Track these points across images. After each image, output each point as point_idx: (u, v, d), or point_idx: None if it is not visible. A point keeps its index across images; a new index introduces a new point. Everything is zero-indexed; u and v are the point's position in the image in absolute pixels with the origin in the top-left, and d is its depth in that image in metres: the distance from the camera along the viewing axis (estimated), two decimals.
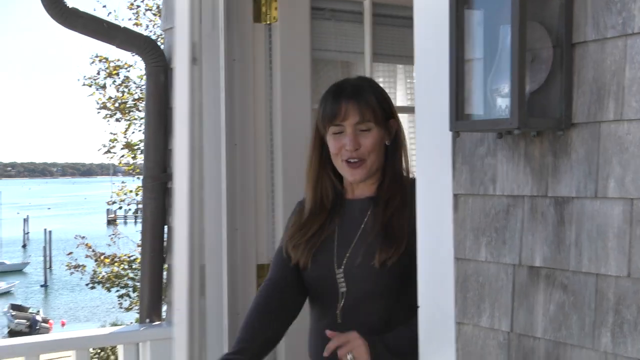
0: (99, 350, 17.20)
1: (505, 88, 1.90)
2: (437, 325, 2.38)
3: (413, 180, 2.69)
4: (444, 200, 2.32)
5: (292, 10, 3.55)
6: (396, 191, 2.89)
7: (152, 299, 4.32)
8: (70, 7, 3.93)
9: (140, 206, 17.60)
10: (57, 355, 4.15)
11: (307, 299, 3.06)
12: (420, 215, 2.44)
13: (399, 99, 4.02)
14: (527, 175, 2.05)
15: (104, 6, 15.56)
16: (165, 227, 4.28)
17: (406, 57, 3.89)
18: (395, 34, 3.85)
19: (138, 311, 14.92)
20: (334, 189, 2.99)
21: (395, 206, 2.86)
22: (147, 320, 4.30)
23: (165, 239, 4.30)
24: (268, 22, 3.67)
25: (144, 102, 15.31)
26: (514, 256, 2.11)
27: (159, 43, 4.69)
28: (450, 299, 2.30)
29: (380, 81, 3.94)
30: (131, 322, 16.45)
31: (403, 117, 3.94)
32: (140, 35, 4.43)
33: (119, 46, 4.40)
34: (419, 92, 2.48)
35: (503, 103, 1.93)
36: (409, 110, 3.98)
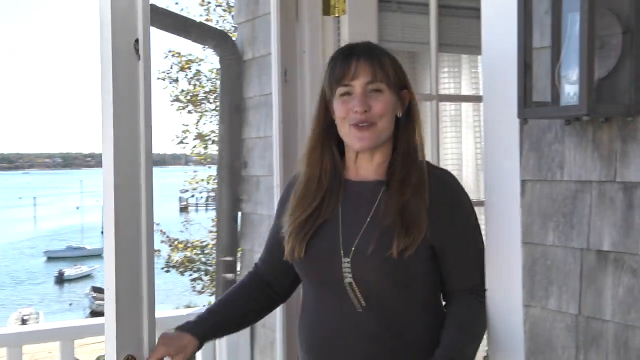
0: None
1: (574, 75, 1.86)
2: (505, 308, 2.35)
3: (430, 166, 2.54)
4: (512, 186, 2.28)
5: (360, 3, 3.52)
6: (412, 170, 2.46)
7: (227, 282, 4.34)
8: (155, 5, 3.95)
9: (211, 194, 17.76)
10: None
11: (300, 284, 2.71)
12: (487, 200, 2.42)
13: (464, 88, 3.96)
14: (595, 161, 2.00)
15: (177, 3, 15.63)
16: (239, 213, 4.28)
17: (470, 47, 3.85)
18: (459, 25, 3.80)
19: (210, 294, 15.14)
20: (334, 165, 2.53)
21: (413, 187, 2.43)
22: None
23: (238, 224, 4.31)
24: (337, 15, 3.65)
25: (214, 95, 15.49)
26: (581, 240, 2.06)
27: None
28: (518, 283, 2.27)
29: (445, 71, 3.90)
30: (204, 305, 16.51)
31: (467, 106, 3.91)
32: (214, 29, 4.46)
33: (194, 40, 4.43)
34: (487, 81, 2.44)
35: (571, 90, 1.89)
36: (473, 99, 3.93)
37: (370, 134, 2.41)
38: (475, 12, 3.67)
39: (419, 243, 2.36)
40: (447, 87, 3.86)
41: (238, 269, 4.40)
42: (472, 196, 3.84)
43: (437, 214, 2.42)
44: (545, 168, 2.17)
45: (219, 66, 14.19)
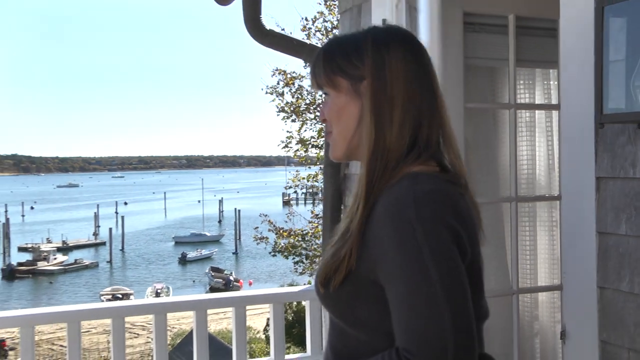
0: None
1: None
2: (581, 290, 2.30)
3: (407, 176, 1.56)
4: (587, 183, 2.23)
5: (448, 25, 3.47)
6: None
7: None
8: (268, 28, 3.98)
9: (310, 190, 17.94)
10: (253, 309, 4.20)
11: None
12: (564, 196, 2.37)
13: (537, 99, 3.87)
14: None
15: (282, 29, 15.76)
16: (342, 206, 4.30)
17: (544, 62, 3.77)
18: (535, 42, 3.71)
19: (309, 274, 15.30)
20: None
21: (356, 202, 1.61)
22: None
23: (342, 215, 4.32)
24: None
25: (314, 106, 15.63)
26: None
27: None
28: (593, 267, 2.23)
29: (521, 83, 3.82)
30: (304, 284, 16.78)
31: (540, 114, 3.82)
32: None
33: (304, 59, 4.43)
34: (565, 91, 2.40)
35: None
36: (546, 107, 3.85)
37: (330, 143, 1.78)
38: (547, 31, 3.62)
39: (340, 278, 1.57)
40: (522, 97, 3.77)
41: None
42: (544, 192, 3.78)
43: (374, 239, 1.53)
44: (619, 167, 2.13)
45: None
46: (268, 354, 4.17)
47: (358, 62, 1.65)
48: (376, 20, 3.72)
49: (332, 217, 4.30)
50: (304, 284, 17.57)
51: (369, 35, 1.68)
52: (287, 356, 4.12)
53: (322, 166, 15.93)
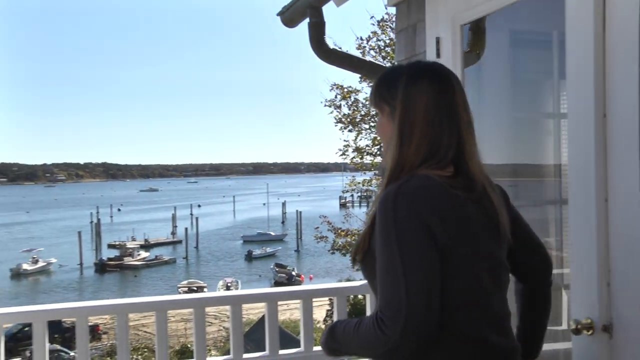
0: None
1: None
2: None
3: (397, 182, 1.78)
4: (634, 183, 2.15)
5: (494, 42, 3.41)
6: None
7: None
8: (331, 47, 3.96)
9: (364, 194, 17.89)
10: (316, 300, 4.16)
11: None
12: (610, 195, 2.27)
13: None
14: None
15: (340, 48, 15.76)
16: None
17: None
18: None
19: None
20: None
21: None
22: None
23: None
24: (477, 52, 3.54)
25: (369, 117, 15.59)
26: None
27: None
28: None
29: (563, 94, 3.73)
30: (360, 279, 16.66)
31: None
32: (380, 65, 4.40)
33: (365, 75, 4.40)
34: (615, 101, 2.30)
35: None
36: None
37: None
38: None
39: (361, 253, 1.91)
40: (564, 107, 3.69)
41: None
42: None
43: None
44: None
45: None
46: None
47: (394, 94, 1.91)
48: (430, 39, 3.66)
49: None
50: (360, 279, 17.50)
51: (405, 71, 1.94)
52: None
53: (376, 171, 16.01)
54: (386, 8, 13.51)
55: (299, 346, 4.05)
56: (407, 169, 1.83)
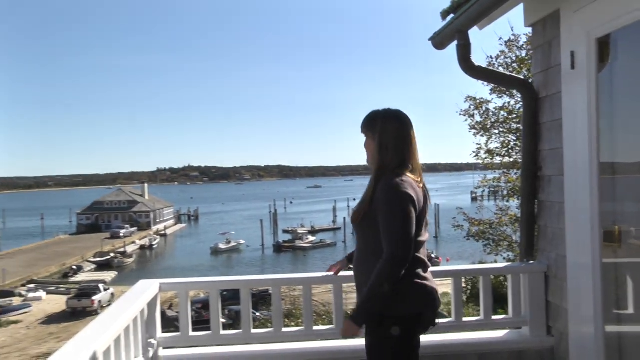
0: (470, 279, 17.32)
1: None
2: None
3: (387, 176, 2.67)
4: None
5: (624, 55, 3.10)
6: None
7: (527, 247, 4.06)
8: (476, 64, 3.81)
9: (493, 189, 17.22)
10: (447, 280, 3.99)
11: None
12: None
13: None
14: None
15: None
16: (535, 200, 4.00)
17: None
18: None
19: (495, 254, 14.76)
20: None
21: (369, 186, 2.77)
22: (525, 260, 4.05)
23: (535, 209, 4.02)
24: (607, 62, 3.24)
25: (498, 124, 15.02)
26: None
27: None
28: None
29: None
30: (491, 262, 16.25)
31: None
32: (519, 78, 4.16)
33: (505, 86, 4.20)
34: None
35: None
36: None
37: (367, 161, 2.92)
38: None
39: (360, 212, 2.72)
40: None
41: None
42: None
43: (376, 200, 2.64)
44: None
45: (499, 105, 13.64)
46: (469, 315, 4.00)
47: (376, 126, 2.80)
48: (565, 53, 3.42)
49: (527, 208, 4.02)
50: (491, 262, 17.11)
51: (381, 114, 2.82)
52: (494, 316, 3.93)
53: (505, 170, 15.47)
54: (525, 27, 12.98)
55: (444, 317, 3.92)
56: (387, 171, 2.71)
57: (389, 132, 2.73)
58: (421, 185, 2.74)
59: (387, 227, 2.53)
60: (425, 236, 2.73)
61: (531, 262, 4.01)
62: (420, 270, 2.67)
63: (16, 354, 29.96)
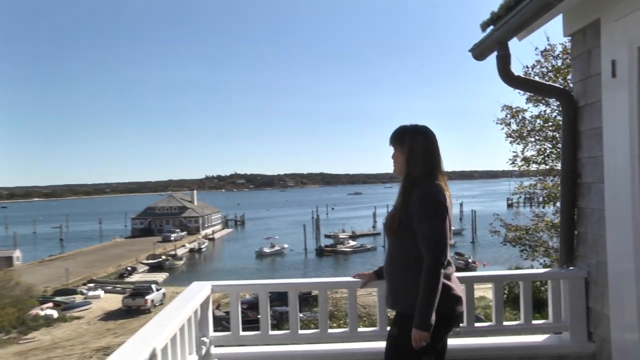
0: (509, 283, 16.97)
1: None
2: None
3: (422, 185, 2.78)
4: None
5: None
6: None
7: (567, 253, 3.95)
8: (515, 74, 3.75)
9: (529, 196, 16.86)
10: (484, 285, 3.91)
11: None
12: None
13: None
14: None
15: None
16: (575, 207, 3.89)
17: None
18: None
19: (532, 259, 14.47)
20: None
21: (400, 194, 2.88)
22: (565, 266, 3.93)
23: (575, 215, 3.91)
24: None
25: (534, 132, 14.74)
26: None
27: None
28: None
29: None
30: (527, 267, 15.94)
31: None
32: (559, 87, 4.06)
33: (545, 95, 4.13)
34: None
35: None
36: None
37: (395, 170, 3.03)
38: None
39: (395, 221, 2.82)
40: None
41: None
42: None
43: (411, 208, 2.74)
44: None
45: (535, 113, 13.35)
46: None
47: (404, 141, 2.90)
48: (606, 62, 3.33)
49: (567, 214, 3.91)
50: (527, 267, 16.75)
51: (410, 130, 2.91)
52: (534, 321, 3.83)
53: (541, 177, 15.14)
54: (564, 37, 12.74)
55: (481, 321, 3.84)
56: (415, 181, 2.80)
57: (417, 147, 2.83)
58: (447, 192, 2.83)
59: (427, 234, 2.67)
60: (452, 240, 2.87)
61: (571, 268, 3.89)
62: (449, 272, 2.82)
63: (79, 347, 30.85)
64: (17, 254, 66.33)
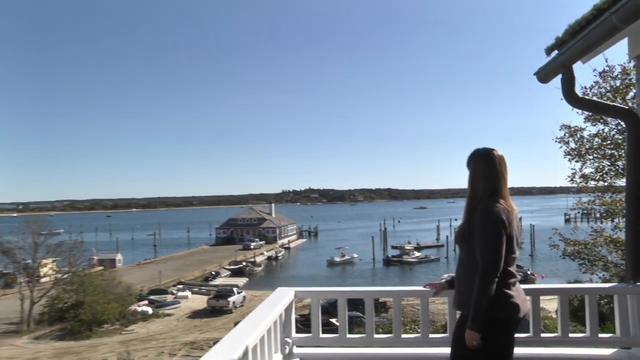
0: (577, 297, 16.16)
1: None
2: None
3: (483, 206, 2.81)
4: None
5: None
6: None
7: (634, 269, 3.73)
8: (580, 95, 3.62)
9: (586, 212, 16.04)
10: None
11: None
12: None
13: None
14: None
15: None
16: None
17: None
18: None
19: (591, 273, 13.74)
20: None
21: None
22: (631, 281, 3.72)
23: None
24: None
25: (592, 150, 14.06)
26: None
27: None
28: None
29: None
30: (586, 280, 15.17)
31: None
32: (623, 107, 3.88)
33: (609, 116, 3.94)
34: None
35: None
36: None
37: None
38: None
39: (461, 234, 2.89)
40: None
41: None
42: None
43: (473, 223, 2.81)
44: None
45: (593, 132, 12.75)
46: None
47: (470, 164, 2.95)
48: None
49: (633, 231, 3.70)
50: (586, 281, 15.85)
51: (474, 154, 2.95)
52: (600, 334, 3.63)
53: (599, 194, 14.40)
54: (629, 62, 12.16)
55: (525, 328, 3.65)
56: (479, 201, 2.84)
57: (479, 170, 2.88)
58: (511, 211, 2.84)
59: (481, 247, 2.74)
60: (516, 253, 2.87)
61: (638, 283, 3.67)
62: (510, 281, 2.82)
63: (170, 340, 31.92)
64: (119, 257, 69.79)
